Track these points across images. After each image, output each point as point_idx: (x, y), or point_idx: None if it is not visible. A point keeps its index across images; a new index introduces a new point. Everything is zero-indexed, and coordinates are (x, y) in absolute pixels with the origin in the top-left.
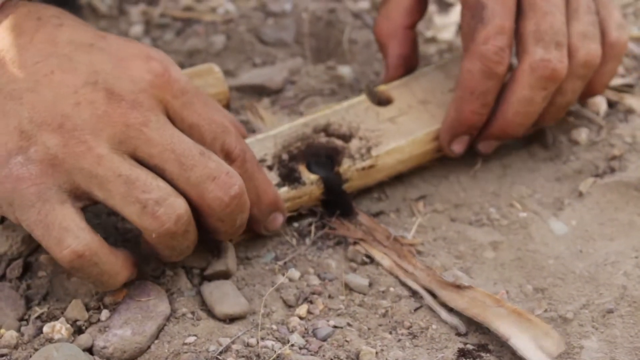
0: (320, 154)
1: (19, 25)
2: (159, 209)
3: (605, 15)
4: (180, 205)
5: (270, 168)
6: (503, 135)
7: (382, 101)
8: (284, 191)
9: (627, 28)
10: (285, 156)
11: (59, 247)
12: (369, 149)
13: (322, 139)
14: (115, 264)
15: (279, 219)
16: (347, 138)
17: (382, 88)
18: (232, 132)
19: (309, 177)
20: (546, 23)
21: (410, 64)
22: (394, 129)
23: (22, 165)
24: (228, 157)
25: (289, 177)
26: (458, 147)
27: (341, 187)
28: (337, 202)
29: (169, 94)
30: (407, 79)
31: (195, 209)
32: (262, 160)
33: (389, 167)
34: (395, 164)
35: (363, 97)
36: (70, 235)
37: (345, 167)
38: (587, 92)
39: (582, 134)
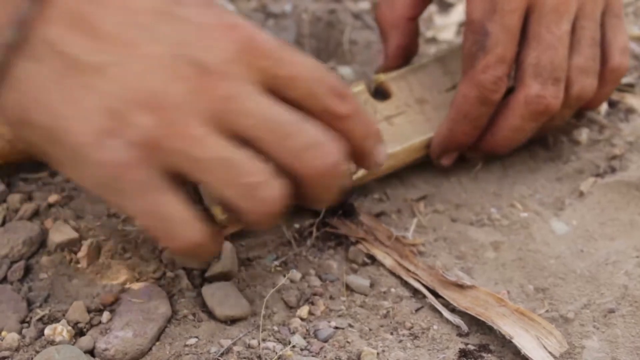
0: None
1: None
2: (260, 192)
3: (611, 39)
4: (279, 187)
5: None
6: (489, 153)
7: (380, 91)
8: None
9: (629, 52)
10: None
11: (176, 238)
12: None
13: None
14: (219, 243)
15: (383, 150)
16: None
17: (382, 78)
18: (330, 72)
19: None
20: (547, 58)
21: (409, 55)
22: (390, 131)
23: (119, 149)
24: (338, 96)
25: None
26: (446, 161)
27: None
28: (339, 202)
29: (259, 57)
30: (405, 70)
31: (294, 178)
32: None
33: (381, 172)
34: (387, 169)
35: (362, 87)
36: (187, 226)
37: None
38: (578, 112)
39: (583, 134)
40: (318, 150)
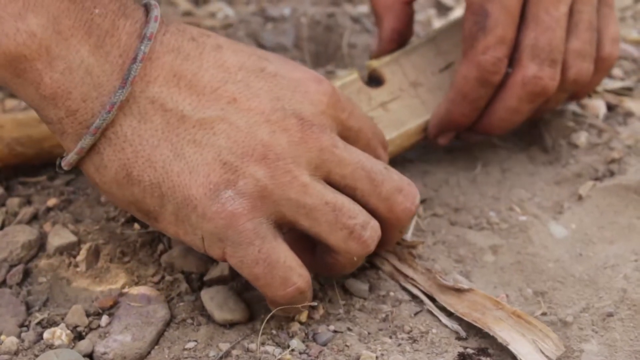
0: None
1: (181, 47)
2: (365, 233)
3: (602, 28)
4: (378, 227)
5: None
6: (485, 133)
7: (373, 78)
8: None
9: (620, 42)
10: None
11: (285, 285)
12: None
13: None
14: (312, 288)
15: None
16: None
17: (375, 64)
18: (375, 122)
19: None
20: (545, 39)
21: (403, 39)
22: (386, 118)
23: (233, 199)
24: (384, 146)
25: None
26: (443, 140)
27: None
28: None
29: (340, 110)
30: (397, 54)
31: (381, 222)
32: None
33: None
34: None
35: (355, 76)
36: (294, 273)
37: None
38: (569, 99)
39: (582, 138)
40: (403, 194)
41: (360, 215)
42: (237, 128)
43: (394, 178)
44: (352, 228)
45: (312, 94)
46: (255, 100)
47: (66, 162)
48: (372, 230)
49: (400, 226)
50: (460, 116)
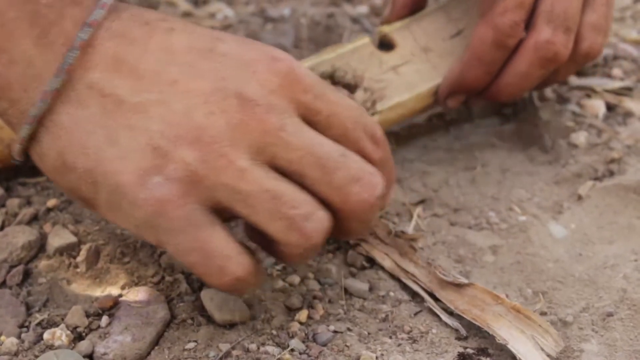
0: None
1: (128, 32)
2: (307, 224)
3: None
4: (325, 219)
5: None
6: (493, 99)
7: (384, 43)
8: None
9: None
10: None
11: (222, 275)
12: (373, 103)
13: None
14: (262, 275)
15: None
16: (352, 88)
17: (386, 30)
18: (367, 113)
19: None
20: (561, 6)
21: (417, 6)
22: (397, 81)
23: (162, 186)
24: (373, 139)
25: None
26: (453, 103)
27: None
28: None
29: (301, 91)
30: (408, 20)
31: (334, 212)
32: None
33: (390, 121)
34: (396, 118)
35: (367, 40)
36: (232, 262)
37: None
38: (581, 68)
39: (581, 138)
40: (360, 185)
41: (304, 205)
42: (172, 111)
43: (352, 166)
44: (292, 218)
45: (261, 73)
46: (197, 82)
47: (15, 152)
48: (316, 222)
49: (358, 218)
50: (474, 79)
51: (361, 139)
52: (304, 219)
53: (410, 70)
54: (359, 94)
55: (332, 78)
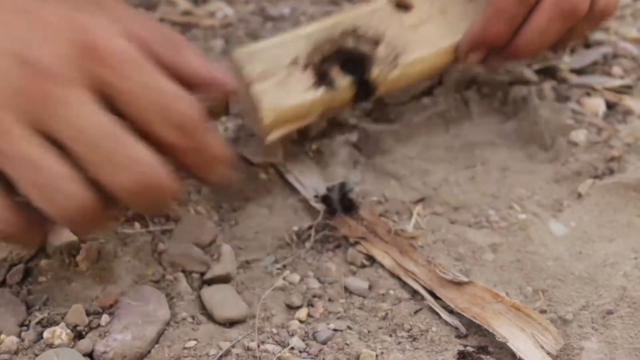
0: (350, 58)
1: None
2: (58, 198)
3: None
4: (79, 196)
5: (305, 67)
6: (512, 57)
7: (401, 6)
8: (321, 93)
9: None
10: (317, 58)
11: None
12: (395, 57)
13: (350, 43)
14: (38, 234)
15: (225, 172)
16: (374, 44)
17: None
18: (178, 98)
19: (342, 80)
20: None
21: None
22: (417, 38)
23: None
24: (176, 128)
25: (323, 79)
26: (474, 58)
27: (370, 96)
28: (340, 200)
29: (98, 64)
30: None
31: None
32: (295, 62)
33: (412, 77)
34: (417, 74)
35: (384, 2)
36: None
37: (375, 75)
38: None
39: (581, 136)
40: (130, 171)
41: (60, 178)
42: None
43: (122, 152)
44: (44, 188)
45: (56, 40)
46: None
47: None
48: (72, 198)
49: (131, 202)
50: (495, 34)
51: (159, 124)
52: (56, 192)
53: (430, 29)
54: (381, 49)
55: (354, 34)
